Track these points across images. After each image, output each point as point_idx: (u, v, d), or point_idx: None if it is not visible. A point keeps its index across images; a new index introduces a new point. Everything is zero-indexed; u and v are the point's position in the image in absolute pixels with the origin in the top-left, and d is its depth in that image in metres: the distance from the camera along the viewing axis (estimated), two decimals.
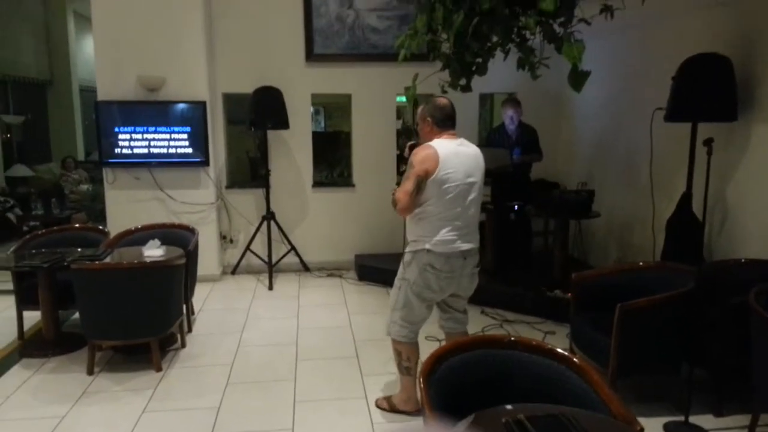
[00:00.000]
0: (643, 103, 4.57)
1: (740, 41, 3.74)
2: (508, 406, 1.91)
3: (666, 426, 3.01)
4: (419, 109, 3.11)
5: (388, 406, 3.25)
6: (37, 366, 3.85)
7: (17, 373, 3.77)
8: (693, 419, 2.98)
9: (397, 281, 3.11)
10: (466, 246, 2.96)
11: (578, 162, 6.06)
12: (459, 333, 3.24)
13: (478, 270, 3.12)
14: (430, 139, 2.99)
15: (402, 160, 3.26)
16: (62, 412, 3.25)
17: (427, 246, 2.92)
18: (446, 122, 3.00)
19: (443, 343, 3.41)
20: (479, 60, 3.86)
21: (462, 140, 3.02)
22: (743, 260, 3.44)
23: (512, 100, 5.45)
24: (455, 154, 2.91)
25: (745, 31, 3.73)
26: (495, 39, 3.74)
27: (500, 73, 4.49)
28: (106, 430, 3.07)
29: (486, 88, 5.82)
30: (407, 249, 3.05)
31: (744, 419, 3.03)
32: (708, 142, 3.05)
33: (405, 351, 3.11)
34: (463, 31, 3.55)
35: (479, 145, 3.13)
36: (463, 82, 4.01)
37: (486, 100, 7.28)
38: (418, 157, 2.89)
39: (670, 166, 4.33)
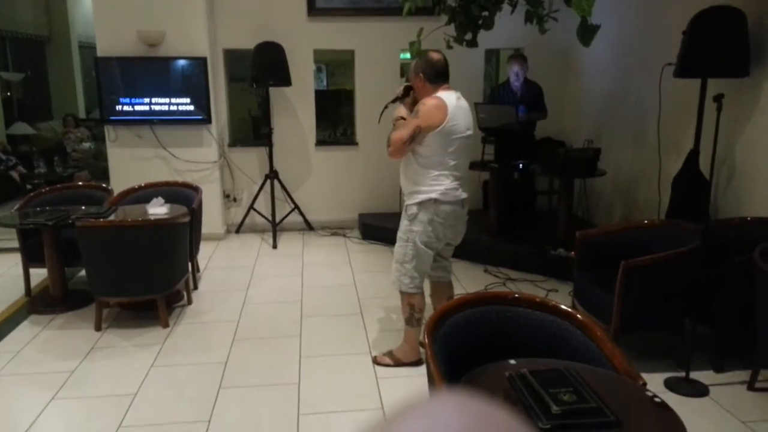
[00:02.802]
0: (652, 59, 4.48)
1: None
2: (512, 361, 1.94)
3: (667, 381, 3.05)
4: (413, 64, 3.10)
5: (392, 360, 3.29)
6: (45, 322, 3.90)
7: (26, 328, 3.83)
8: (694, 375, 3.02)
9: (402, 234, 3.11)
10: (464, 195, 3.08)
11: (585, 120, 5.98)
12: (445, 282, 3.38)
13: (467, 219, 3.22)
14: (425, 94, 2.99)
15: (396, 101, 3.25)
16: (72, 367, 3.30)
17: (434, 195, 2.96)
18: (439, 78, 3.01)
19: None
20: (486, 13, 3.77)
21: (459, 94, 3.04)
22: (749, 218, 3.43)
23: (518, 56, 5.34)
24: (458, 108, 2.96)
25: None
26: None
27: (507, 27, 4.41)
28: (116, 384, 3.13)
29: (492, 43, 5.69)
30: (411, 201, 3.05)
31: (744, 375, 3.07)
32: (718, 98, 2.99)
33: (417, 303, 3.17)
34: None
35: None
36: (468, 36, 3.93)
37: (492, 55, 7.15)
38: (427, 107, 2.91)
39: (678, 122, 4.27)
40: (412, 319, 3.20)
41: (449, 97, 2.94)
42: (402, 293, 3.19)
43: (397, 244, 3.15)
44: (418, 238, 3.04)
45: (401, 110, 3.07)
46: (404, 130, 2.91)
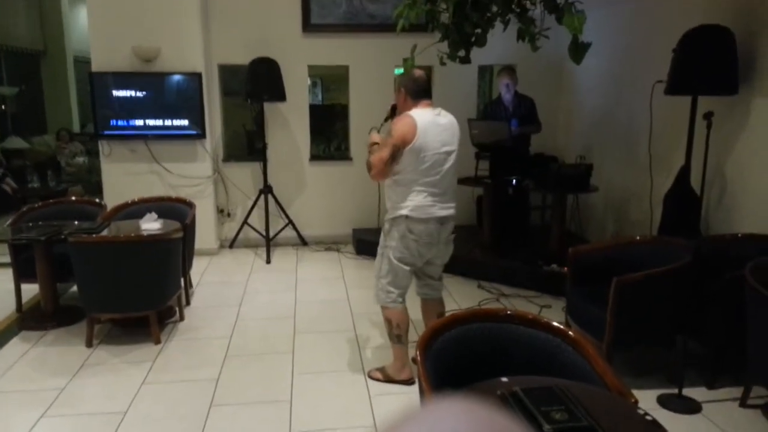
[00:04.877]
0: (643, 76, 4.53)
1: (743, 12, 3.69)
2: (504, 379, 1.93)
3: (659, 398, 3.05)
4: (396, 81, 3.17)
5: (383, 376, 3.29)
6: (36, 338, 3.87)
7: (16, 345, 3.79)
8: (686, 391, 3.02)
9: (379, 249, 3.18)
10: (442, 212, 3.04)
11: (577, 136, 6.02)
12: (434, 300, 3.37)
13: (454, 237, 3.21)
14: (406, 110, 3.04)
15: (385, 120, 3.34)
16: (62, 384, 3.27)
17: (405, 212, 2.99)
18: (420, 94, 3.05)
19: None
20: (479, 31, 3.81)
21: (439, 110, 3.07)
22: (740, 234, 3.45)
23: (507, 69, 5.39)
24: (433, 124, 2.97)
25: (748, 2, 3.67)
26: (495, 9, 3.69)
27: (500, 44, 4.45)
28: (106, 402, 3.10)
29: (485, 60, 5.75)
30: (386, 217, 3.12)
31: (736, 391, 3.07)
32: (708, 116, 3.04)
33: (395, 318, 3.16)
34: (463, 1, 3.50)
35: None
36: (462, 53, 3.96)
37: (485, 72, 7.20)
38: (398, 125, 2.96)
39: (669, 139, 4.31)
40: (392, 335, 3.21)
41: (423, 114, 2.96)
42: (381, 307, 3.21)
43: (376, 258, 3.21)
44: (392, 254, 3.07)
45: (374, 136, 3.11)
46: (384, 151, 2.94)
